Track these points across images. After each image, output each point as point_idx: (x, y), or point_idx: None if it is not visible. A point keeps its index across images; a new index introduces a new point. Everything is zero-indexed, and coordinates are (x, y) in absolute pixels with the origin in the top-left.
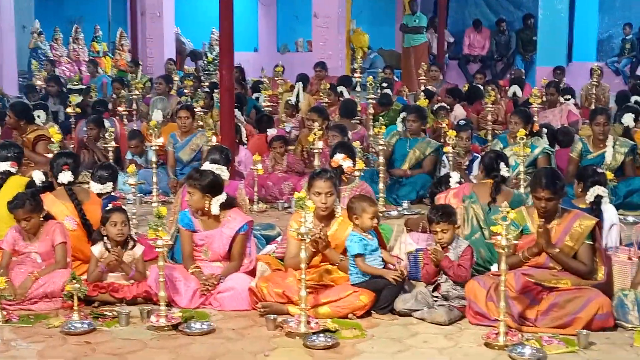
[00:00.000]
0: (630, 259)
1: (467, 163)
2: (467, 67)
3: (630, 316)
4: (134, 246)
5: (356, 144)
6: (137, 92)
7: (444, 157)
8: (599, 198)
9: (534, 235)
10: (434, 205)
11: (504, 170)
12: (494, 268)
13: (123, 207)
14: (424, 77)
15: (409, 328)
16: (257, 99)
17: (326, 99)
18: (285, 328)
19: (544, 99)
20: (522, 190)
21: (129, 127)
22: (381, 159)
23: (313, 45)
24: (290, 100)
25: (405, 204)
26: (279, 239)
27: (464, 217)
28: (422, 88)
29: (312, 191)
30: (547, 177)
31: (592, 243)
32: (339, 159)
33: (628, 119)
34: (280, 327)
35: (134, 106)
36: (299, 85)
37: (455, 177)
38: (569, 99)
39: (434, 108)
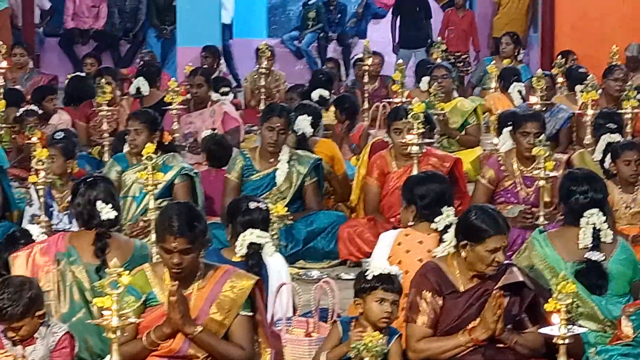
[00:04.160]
0: (309, 335)
1: (68, 198)
2: (75, 48)
3: None
4: None
5: None
6: None
7: (32, 191)
8: (254, 248)
9: (165, 308)
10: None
11: (106, 211)
12: None
13: None
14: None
15: None
16: None
17: None
18: None
19: (189, 95)
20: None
21: None
22: None
23: None
24: None
25: None
26: None
27: (59, 287)
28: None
29: None
30: (182, 216)
31: (251, 314)
32: None
33: (303, 123)
34: None
35: None
36: None
37: (34, 230)
38: (227, 94)
39: (18, 114)
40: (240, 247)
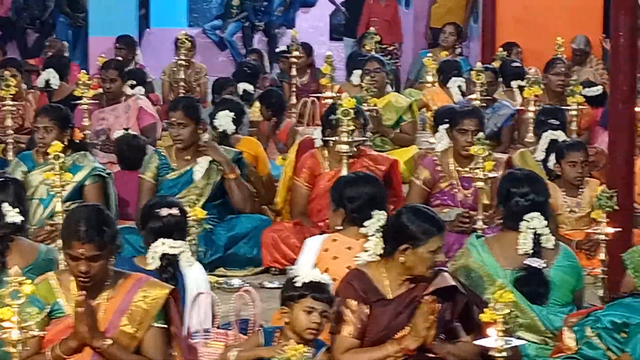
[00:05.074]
0: (227, 346)
1: None
2: None
3: None
4: None
5: None
6: None
7: None
8: (167, 259)
9: (71, 319)
10: None
11: (12, 215)
12: None
13: None
14: None
15: None
16: None
17: None
18: None
19: (101, 89)
20: None
21: None
22: None
23: None
24: None
25: None
26: None
27: None
28: None
29: None
30: (89, 220)
31: (165, 326)
32: None
33: (224, 120)
34: None
35: None
36: None
37: None
38: (134, 87)
39: None
40: (152, 259)
